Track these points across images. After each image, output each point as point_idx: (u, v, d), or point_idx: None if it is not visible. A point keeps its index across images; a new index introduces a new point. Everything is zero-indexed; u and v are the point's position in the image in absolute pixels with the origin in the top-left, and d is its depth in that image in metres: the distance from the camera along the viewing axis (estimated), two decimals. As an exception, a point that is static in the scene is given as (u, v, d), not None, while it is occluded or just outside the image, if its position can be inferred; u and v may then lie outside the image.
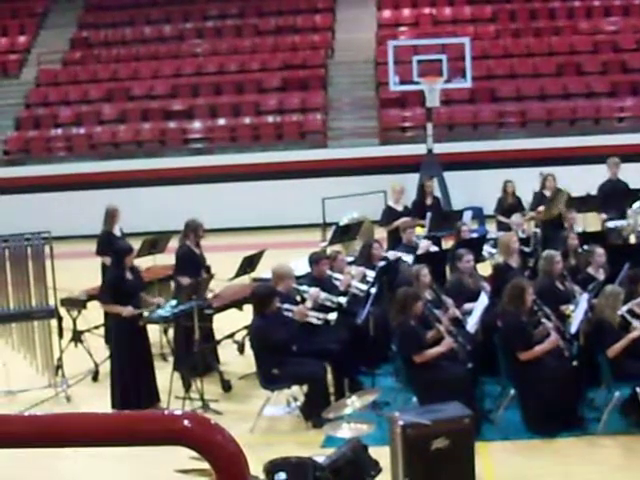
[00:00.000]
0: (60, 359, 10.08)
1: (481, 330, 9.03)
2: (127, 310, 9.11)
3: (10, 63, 24.46)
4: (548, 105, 21.18)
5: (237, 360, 10.92)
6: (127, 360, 9.21)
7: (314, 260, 10.17)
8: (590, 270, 9.89)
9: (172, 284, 11.81)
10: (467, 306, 9.42)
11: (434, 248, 11.90)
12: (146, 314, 9.39)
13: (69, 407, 9.52)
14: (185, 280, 10.24)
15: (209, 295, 10.36)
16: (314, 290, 9.35)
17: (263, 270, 11.02)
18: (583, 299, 8.69)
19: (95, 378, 10.48)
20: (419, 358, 8.25)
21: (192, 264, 10.60)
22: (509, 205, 14.09)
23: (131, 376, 9.18)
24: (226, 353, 10.95)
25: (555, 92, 21.45)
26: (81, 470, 7.74)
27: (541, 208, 13.72)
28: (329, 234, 13.74)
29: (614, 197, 13.87)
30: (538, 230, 12.65)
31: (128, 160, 20.97)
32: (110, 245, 10.87)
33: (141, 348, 9.35)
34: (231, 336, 11.05)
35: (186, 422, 1.60)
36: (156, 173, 20.46)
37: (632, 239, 13.03)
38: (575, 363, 8.22)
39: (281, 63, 23.18)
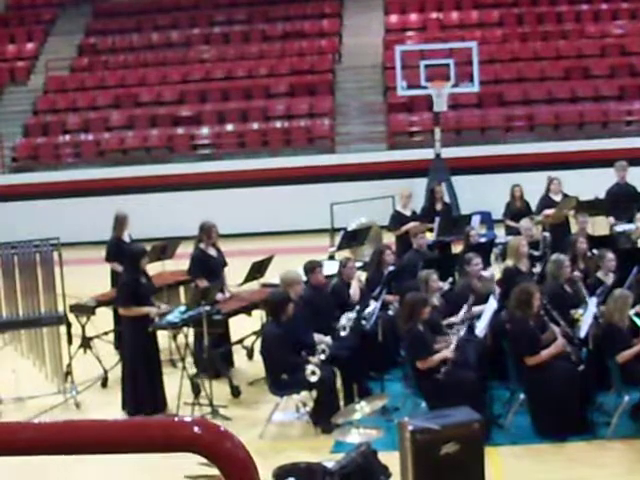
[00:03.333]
0: (69, 365, 10.08)
1: (490, 334, 9.01)
2: (154, 311, 9.21)
3: (18, 70, 24.53)
4: (556, 109, 21.14)
5: (246, 366, 10.93)
6: (141, 365, 9.24)
7: (308, 269, 10.08)
8: (599, 274, 9.87)
9: (181, 290, 11.85)
10: (476, 309, 9.40)
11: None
12: (155, 320, 9.42)
13: (78, 413, 9.53)
14: (203, 283, 10.24)
15: (220, 298, 10.35)
16: (327, 340, 9.23)
17: (272, 275, 11.02)
18: (592, 303, 8.67)
19: (104, 384, 10.49)
20: (427, 364, 8.24)
21: (206, 267, 10.58)
22: (517, 209, 14.03)
23: (145, 381, 9.21)
24: (235, 359, 10.96)
25: (563, 96, 21.41)
26: (85, 472, 7.73)
27: (548, 212, 13.70)
28: (337, 239, 13.74)
29: (622, 201, 13.84)
30: (547, 234, 12.63)
31: (136, 166, 20.96)
32: (120, 251, 10.89)
33: (154, 353, 9.39)
34: (240, 342, 11.06)
35: (196, 428, 1.60)
36: (164, 179, 20.46)
37: (640, 243, 13.00)
38: (582, 367, 8.21)
39: (289, 68, 23.20)
